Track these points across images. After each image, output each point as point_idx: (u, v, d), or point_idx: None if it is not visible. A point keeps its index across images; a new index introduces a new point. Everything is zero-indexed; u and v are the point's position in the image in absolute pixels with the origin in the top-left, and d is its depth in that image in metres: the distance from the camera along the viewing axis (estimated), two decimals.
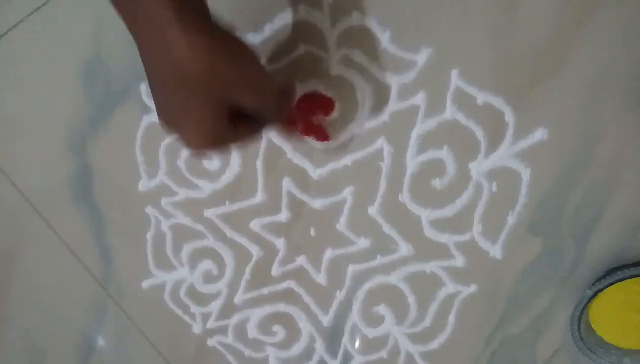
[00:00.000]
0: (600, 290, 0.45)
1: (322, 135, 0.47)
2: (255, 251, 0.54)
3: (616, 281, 0.45)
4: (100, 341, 0.62)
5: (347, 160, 0.49)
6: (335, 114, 0.47)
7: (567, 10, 0.41)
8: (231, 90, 0.32)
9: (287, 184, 0.51)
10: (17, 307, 0.62)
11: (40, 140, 0.53)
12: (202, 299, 0.57)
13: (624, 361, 0.48)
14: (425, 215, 0.49)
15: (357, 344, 0.55)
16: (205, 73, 0.30)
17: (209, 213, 0.53)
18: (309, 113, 0.47)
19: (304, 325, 0.56)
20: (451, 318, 0.52)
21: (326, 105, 0.47)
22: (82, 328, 0.61)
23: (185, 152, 0.51)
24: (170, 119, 0.33)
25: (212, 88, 0.31)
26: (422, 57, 0.44)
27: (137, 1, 0.29)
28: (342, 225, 0.51)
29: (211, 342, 0.58)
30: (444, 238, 0.49)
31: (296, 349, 0.57)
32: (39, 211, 0.57)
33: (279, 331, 0.57)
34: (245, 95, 0.33)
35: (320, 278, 0.53)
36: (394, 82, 0.45)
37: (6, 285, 0.61)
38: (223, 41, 0.31)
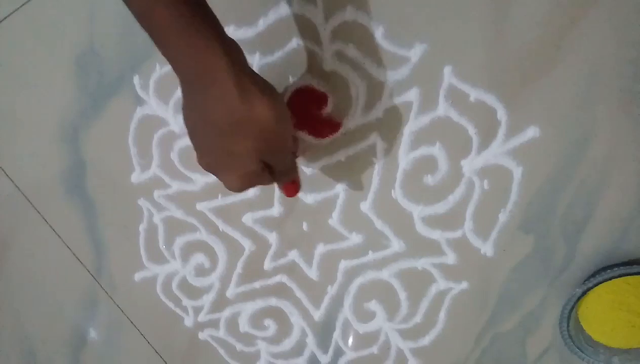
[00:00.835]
0: (590, 288, 0.45)
1: (326, 128, 0.47)
2: (247, 245, 0.54)
3: (605, 280, 0.45)
4: (92, 333, 0.62)
5: (340, 155, 0.49)
6: (328, 109, 0.47)
7: (560, 9, 0.41)
8: (270, 144, 0.35)
9: None
10: (9, 299, 0.62)
11: (33, 132, 0.53)
12: (194, 292, 0.57)
13: (612, 360, 0.48)
14: (417, 211, 0.49)
15: (350, 341, 0.55)
16: (256, 123, 0.33)
17: (201, 206, 0.53)
18: (302, 108, 0.47)
19: (296, 320, 0.56)
20: (442, 315, 0.52)
21: (319, 100, 0.47)
22: (74, 320, 0.61)
23: (178, 145, 0.51)
24: (214, 163, 0.36)
25: (256, 140, 0.34)
26: (415, 53, 0.44)
27: (194, 51, 0.31)
28: (334, 220, 0.51)
29: (203, 335, 0.58)
30: (435, 234, 0.49)
31: (287, 343, 0.57)
32: (32, 203, 0.57)
33: (271, 326, 0.57)
34: (278, 153, 0.37)
35: (312, 273, 0.53)
36: (388, 78, 0.45)
37: None
38: (272, 100, 0.34)
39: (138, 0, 0.31)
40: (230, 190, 0.37)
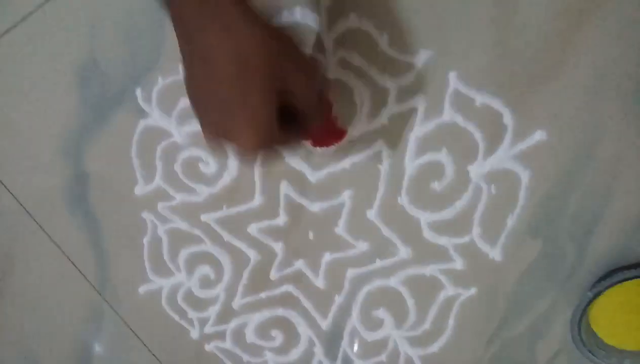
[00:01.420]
0: (601, 291, 0.45)
1: (331, 137, 0.47)
2: (253, 255, 0.53)
3: (616, 283, 0.45)
4: (97, 348, 0.61)
5: (345, 163, 0.48)
6: (332, 117, 0.47)
7: (566, 12, 0.41)
8: (289, 74, 0.32)
9: (285, 188, 0.50)
10: (12, 314, 0.62)
11: (35, 145, 0.53)
12: (199, 304, 0.56)
13: (624, 363, 0.48)
14: (425, 217, 0.48)
15: (356, 347, 0.55)
16: (267, 56, 0.31)
17: (206, 217, 0.53)
18: None
19: (303, 330, 0.55)
20: (451, 321, 0.52)
21: (324, 108, 0.46)
22: (79, 335, 0.61)
23: (182, 156, 0.51)
24: (223, 120, 0.32)
25: (272, 73, 0.31)
26: (420, 59, 0.44)
27: None
28: (340, 228, 0.50)
29: (209, 347, 0.58)
30: (443, 240, 0.49)
31: (295, 353, 0.56)
32: (34, 217, 0.56)
33: (278, 336, 0.56)
34: (299, 81, 0.33)
35: (319, 282, 0.53)
36: (392, 84, 0.45)
37: (0, 292, 0.60)
38: (277, 30, 0.32)
39: None
40: (246, 148, 0.33)
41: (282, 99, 0.33)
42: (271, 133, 0.33)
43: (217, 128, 0.33)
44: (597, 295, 0.45)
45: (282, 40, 0.32)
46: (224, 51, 0.30)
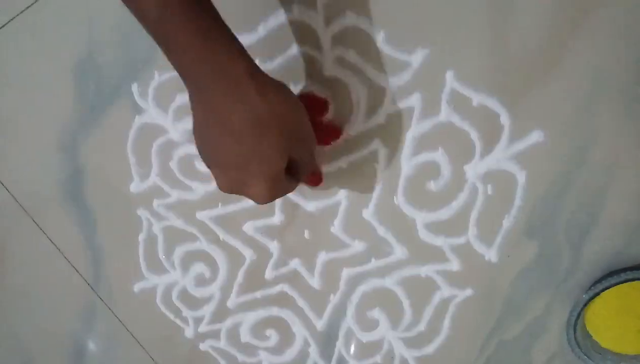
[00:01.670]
0: (597, 294, 0.45)
1: (328, 135, 0.47)
2: (248, 254, 0.53)
3: (612, 285, 0.44)
4: (91, 345, 0.61)
5: (341, 162, 0.48)
6: (329, 116, 0.46)
7: (563, 12, 0.40)
8: (294, 139, 0.35)
9: None
10: (5, 310, 0.61)
11: (31, 141, 0.53)
12: (194, 303, 0.56)
13: None
14: (420, 217, 0.48)
15: (352, 349, 0.54)
16: (278, 119, 0.34)
17: (201, 215, 0.52)
18: None
19: (298, 329, 0.55)
20: (446, 323, 0.51)
21: (320, 106, 0.46)
22: (73, 332, 0.60)
23: (178, 153, 0.51)
24: (238, 176, 0.35)
25: (283, 134, 0.34)
26: (417, 58, 0.44)
27: (212, 53, 0.31)
28: (336, 228, 0.50)
29: (204, 346, 0.58)
30: (439, 241, 0.49)
31: (290, 354, 0.56)
32: (29, 213, 0.56)
33: (272, 336, 0.56)
34: (303, 144, 0.37)
35: (314, 282, 0.53)
36: (389, 83, 0.45)
37: None
38: (287, 92, 0.35)
39: (147, 6, 0.30)
40: (259, 201, 0.36)
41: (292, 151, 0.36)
42: (282, 186, 0.37)
43: (232, 182, 0.36)
44: (592, 297, 0.45)
45: (292, 107, 0.35)
46: (240, 116, 0.33)
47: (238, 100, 0.32)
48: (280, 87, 0.35)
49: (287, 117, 0.34)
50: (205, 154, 0.36)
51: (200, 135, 0.35)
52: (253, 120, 0.33)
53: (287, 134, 0.34)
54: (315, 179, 0.43)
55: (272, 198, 0.36)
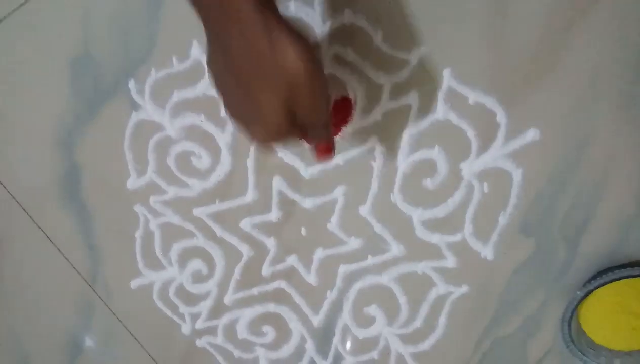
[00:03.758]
0: (591, 291, 0.45)
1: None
2: (245, 250, 0.53)
3: (607, 283, 0.45)
4: (88, 342, 0.61)
5: (338, 159, 0.48)
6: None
7: (560, 11, 0.41)
8: (302, 99, 0.32)
9: (278, 183, 0.50)
10: (2, 307, 0.61)
11: (27, 137, 0.52)
12: (191, 299, 0.56)
13: (614, 363, 0.48)
14: (417, 215, 0.48)
15: (349, 345, 0.54)
16: (282, 74, 0.31)
17: (198, 212, 0.52)
18: None
19: (295, 325, 0.55)
20: (442, 319, 0.52)
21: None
22: (70, 328, 0.60)
23: (174, 150, 0.51)
24: (239, 111, 0.34)
25: (283, 93, 0.31)
26: (414, 56, 0.44)
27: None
28: (333, 224, 0.50)
29: (200, 343, 0.58)
30: (435, 238, 0.49)
31: (286, 350, 0.56)
32: (25, 209, 0.56)
33: (269, 332, 0.56)
34: (303, 110, 0.33)
35: (311, 278, 0.53)
36: (386, 81, 0.45)
37: None
38: (306, 49, 0.31)
39: None
40: (257, 142, 0.34)
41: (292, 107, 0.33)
42: (281, 130, 0.33)
43: (233, 114, 0.34)
44: (587, 294, 0.45)
45: (304, 64, 0.31)
46: (241, 52, 0.30)
47: (242, 42, 0.30)
48: (299, 39, 0.31)
49: (295, 74, 0.31)
50: (214, 81, 0.34)
51: (210, 63, 0.33)
52: (256, 67, 0.30)
53: (290, 93, 0.31)
54: (322, 149, 0.39)
55: (269, 142, 0.34)
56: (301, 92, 0.32)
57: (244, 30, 0.30)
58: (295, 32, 0.31)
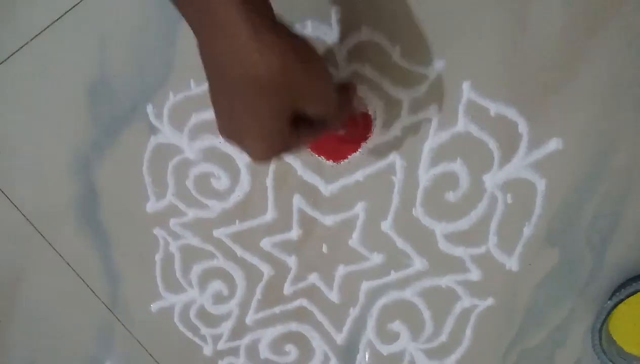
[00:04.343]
0: (622, 300, 0.45)
1: (344, 149, 0.46)
2: (266, 270, 0.53)
3: (637, 291, 0.44)
4: None
5: (358, 175, 0.48)
6: (344, 130, 0.46)
7: (579, 20, 0.40)
8: (298, 99, 0.31)
9: (297, 201, 0.50)
10: (22, 333, 0.61)
11: (45, 163, 0.53)
12: (212, 320, 0.56)
13: None
14: (440, 228, 0.48)
15: (367, 357, 0.54)
16: (275, 79, 0.29)
17: (218, 232, 0.52)
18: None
19: (318, 344, 0.55)
20: (468, 333, 0.51)
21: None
22: (90, 353, 0.60)
23: (193, 172, 0.51)
24: (233, 127, 0.32)
25: (280, 95, 0.30)
26: (433, 70, 0.43)
27: (205, 3, 0.28)
28: (354, 241, 0.50)
29: None
30: (459, 251, 0.48)
31: None
32: (44, 235, 0.56)
33: (292, 351, 0.55)
34: (310, 105, 0.32)
35: (333, 296, 0.52)
36: (405, 96, 0.45)
37: (10, 311, 0.60)
38: (294, 47, 0.30)
39: None
40: (256, 159, 0.33)
41: (297, 108, 0.32)
42: (282, 145, 0.32)
43: (229, 131, 0.33)
44: (617, 303, 0.45)
45: (298, 62, 0.30)
46: (232, 69, 0.29)
47: (232, 54, 0.29)
48: (287, 39, 0.29)
49: (290, 77, 0.29)
50: (210, 97, 0.32)
51: (206, 77, 0.32)
52: (248, 78, 0.29)
53: (287, 96, 0.30)
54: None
55: (270, 157, 0.32)
56: (300, 87, 0.30)
57: (229, 35, 0.28)
58: (285, 30, 0.30)
